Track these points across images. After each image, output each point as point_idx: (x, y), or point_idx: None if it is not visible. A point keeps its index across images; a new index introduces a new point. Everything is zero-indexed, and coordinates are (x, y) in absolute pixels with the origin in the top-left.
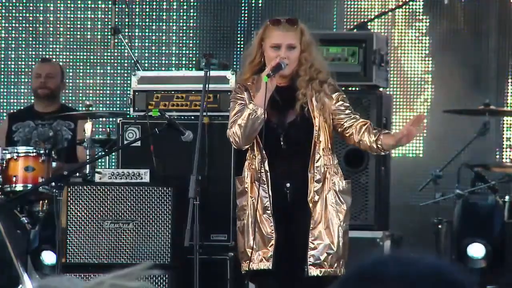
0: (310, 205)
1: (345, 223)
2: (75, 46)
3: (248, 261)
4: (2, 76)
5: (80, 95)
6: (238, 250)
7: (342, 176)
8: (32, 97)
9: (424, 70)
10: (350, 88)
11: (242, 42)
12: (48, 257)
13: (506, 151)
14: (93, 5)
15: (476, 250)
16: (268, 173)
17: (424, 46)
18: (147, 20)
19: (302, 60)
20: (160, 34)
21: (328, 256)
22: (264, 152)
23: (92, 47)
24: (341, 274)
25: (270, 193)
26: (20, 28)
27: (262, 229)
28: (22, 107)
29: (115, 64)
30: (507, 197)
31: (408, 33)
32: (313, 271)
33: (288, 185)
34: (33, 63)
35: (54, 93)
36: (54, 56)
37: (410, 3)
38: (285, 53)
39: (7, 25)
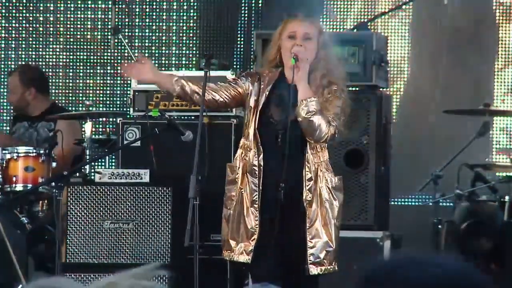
0: (305, 203)
1: (337, 220)
2: (75, 46)
3: (229, 251)
4: (2, 76)
5: (80, 95)
6: (221, 237)
7: (333, 172)
8: None
9: (421, 70)
10: (350, 88)
11: (242, 42)
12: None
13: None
14: (93, 5)
15: (478, 246)
16: (262, 167)
17: (423, 45)
18: (147, 20)
19: (320, 56)
20: (160, 34)
21: (328, 254)
22: (260, 146)
23: (92, 47)
24: (335, 270)
25: (261, 187)
26: (20, 28)
27: (246, 222)
28: None
29: (115, 64)
30: (507, 197)
31: (405, 32)
32: (314, 270)
33: (282, 184)
34: (33, 63)
35: (20, 103)
36: (54, 56)
37: (410, 3)
38: (301, 41)
39: (7, 25)
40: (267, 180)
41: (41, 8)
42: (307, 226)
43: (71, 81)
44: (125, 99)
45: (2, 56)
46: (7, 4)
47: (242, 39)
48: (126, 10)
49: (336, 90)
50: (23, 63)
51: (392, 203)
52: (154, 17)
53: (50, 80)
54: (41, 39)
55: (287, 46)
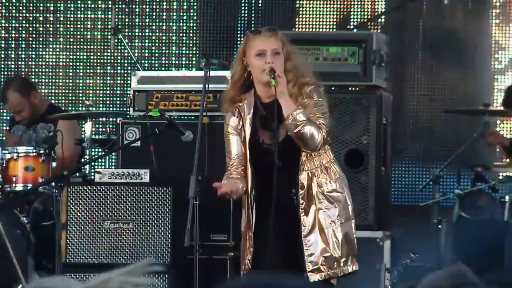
0: (301, 212)
1: (341, 222)
2: (75, 46)
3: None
4: (2, 77)
5: (80, 95)
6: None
7: (335, 174)
8: None
9: (421, 70)
10: (350, 88)
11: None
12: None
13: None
14: (93, 5)
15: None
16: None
17: (423, 45)
18: (147, 20)
19: (288, 67)
20: (160, 34)
21: (326, 260)
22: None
23: (92, 47)
24: (345, 273)
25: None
26: (20, 28)
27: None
28: None
29: (115, 64)
30: (507, 197)
31: (405, 32)
32: (313, 277)
33: (293, 190)
34: (33, 63)
35: (34, 113)
36: (54, 56)
37: (410, 3)
38: (271, 58)
39: (7, 25)
40: (280, 195)
41: (41, 8)
42: (304, 235)
43: (71, 81)
44: (125, 99)
45: (2, 56)
46: (7, 4)
47: (242, 39)
48: (126, 10)
49: (311, 90)
50: (3, 76)
51: (392, 203)
52: (154, 17)
53: (50, 80)
54: (41, 39)
55: (258, 65)
